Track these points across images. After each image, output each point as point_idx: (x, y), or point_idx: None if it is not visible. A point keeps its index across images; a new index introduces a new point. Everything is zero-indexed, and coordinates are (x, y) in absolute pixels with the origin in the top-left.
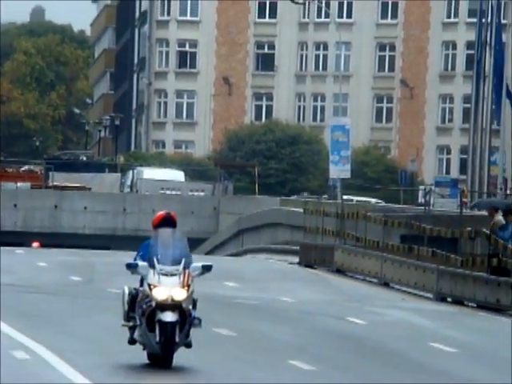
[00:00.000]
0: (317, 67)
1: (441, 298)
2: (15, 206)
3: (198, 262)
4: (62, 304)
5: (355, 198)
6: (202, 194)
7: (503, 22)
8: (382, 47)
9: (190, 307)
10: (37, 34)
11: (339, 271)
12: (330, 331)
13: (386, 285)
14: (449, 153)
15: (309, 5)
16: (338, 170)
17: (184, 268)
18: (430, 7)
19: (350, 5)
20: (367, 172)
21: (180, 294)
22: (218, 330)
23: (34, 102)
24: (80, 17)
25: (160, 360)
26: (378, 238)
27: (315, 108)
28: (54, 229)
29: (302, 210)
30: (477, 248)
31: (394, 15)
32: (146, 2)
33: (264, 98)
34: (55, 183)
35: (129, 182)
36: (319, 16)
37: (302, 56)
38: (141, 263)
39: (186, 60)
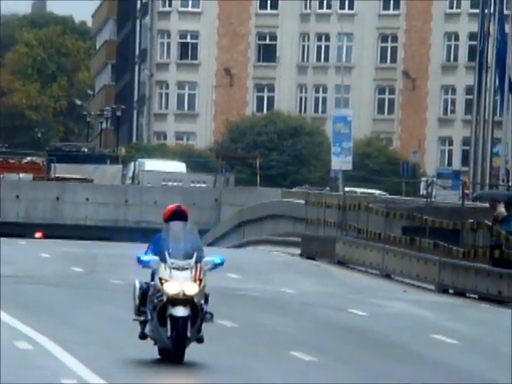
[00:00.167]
0: (319, 58)
1: (443, 290)
2: (17, 197)
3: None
4: (63, 295)
5: (359, 190)
6: (203, 185)
7: (506, 12)
8: (384, 38)
9: (202, 302)
10: (38, 25)
11: (341, 263)
12: (331, 323)
13: (387, 276)
14: (451, 144)
15: None
16: (340, 162)
17: (196, 262)
18: None
19: None
20: (369, 164)
21: (192, 289)
22: (220, 321)
23: (35, 94)
24: (81, 8)
25: (171, 355)
26: (379, 230)
27: (317, 99)
28: (56, 220)
29: (303, 202)
30: (479, 240)
31: (397, 6)
32: None
33: (265, 90)
34: (57, 175)
35: (130, 174)
36: (321, 7)
37: (303, 47)
38: (152, 257)
39: (188, 51)
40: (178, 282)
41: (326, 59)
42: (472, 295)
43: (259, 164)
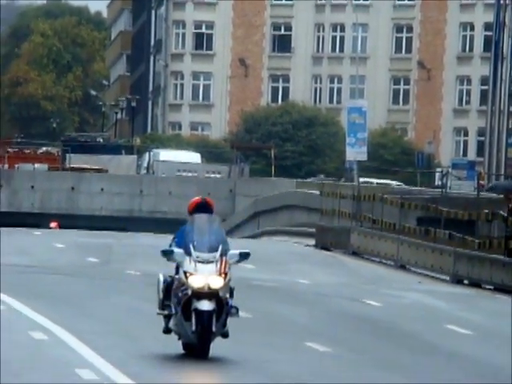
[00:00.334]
0: (333, 49)
1: (457, 281)
2: (32, 187)
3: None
4: (79, 285)
5: (375, 181)
6: (218, 176)
7: None
8: (399, 29)
9: (227, 296)
10: (54, 15)
11: (355, 253)
12: (346, 313)
13: (402, 267)
14: (466, 135)
15: None
16: (355, 153)
17: (221, 255)
18: None
19: None
20: (384, 154)
21: (217, 282)
22: None
23: (50, 84)
24: None
25: (196, 350)
26: (394, 221)
27: (332, 90)
28: (71, 210)
29: (318, 193)
30: (494, 230)
31: None
32: None
33: (280, 80)
34: (72, 165)
35: (145, 164)
36: None
37: (318, 38)
38: (176, 250)
39: (203, 42)
40: (203, 276)
41: (341, 50)
42: (487, 286)
43: (274, 154)
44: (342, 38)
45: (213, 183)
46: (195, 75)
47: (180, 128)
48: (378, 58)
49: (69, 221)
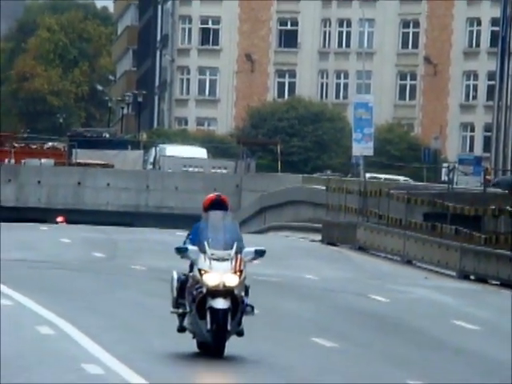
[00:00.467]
0: (340, 44)
1: (464, 276)
2: (39, 182)
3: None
4: (85, 280)
5: (382, 176)
6: (224, 171)
7: None
8: (405, 24)
9: (243, 294)
10: (60, 10)
11: (362, 249)
12: (352, 309)
13: (408, 263)
14: (472, 130)
15: None
16: (361, 148)
17: (236, 253)
18: None
19: None
20: (390, 150)
21: (232, 280)
22: None
23: (57, 79)
24: None
25: (211, 349)
26: (400, 216)
27: (338, 85)
28: (77, 205)
29: (324, 188)
30: (500, 226)
31: None
32: None
33: (287, 75)
34: (78, 160)
35: (151, 159)
36: None
37: (325, 33)
38: (191, 247)
39: (209, 37)
40: (218, 274)
41: (348, 45)
42: (493, 281)
43: (280, 150)
44: (348, 34)
45: (219, 178)
46: (201, 70)
47: (186, 123)
48: (385, 54)
49: (75, 216)
